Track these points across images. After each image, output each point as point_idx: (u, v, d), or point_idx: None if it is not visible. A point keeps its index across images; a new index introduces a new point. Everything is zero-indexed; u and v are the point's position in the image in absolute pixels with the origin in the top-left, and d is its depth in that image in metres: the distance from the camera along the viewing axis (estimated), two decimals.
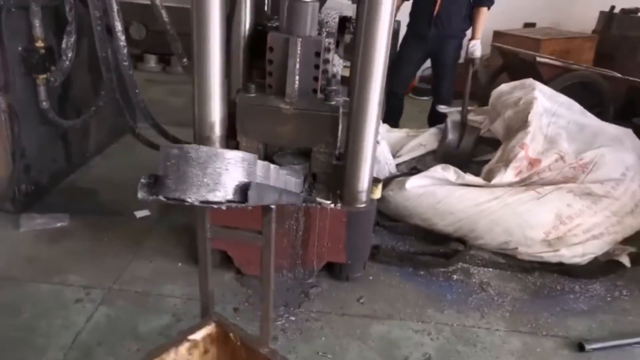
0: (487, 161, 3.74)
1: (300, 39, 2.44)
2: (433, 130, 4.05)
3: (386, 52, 2.24)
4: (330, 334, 2.39)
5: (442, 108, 4.22)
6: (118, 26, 2.72)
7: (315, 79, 2.56)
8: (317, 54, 2.50)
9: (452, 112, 4.24)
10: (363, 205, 2.56)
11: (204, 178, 1.14)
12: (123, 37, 2.77)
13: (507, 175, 3.09)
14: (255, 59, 3.05)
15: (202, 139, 2.44)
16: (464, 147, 3.87)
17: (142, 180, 1.18)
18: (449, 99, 4.36)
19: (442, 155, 3.87)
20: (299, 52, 2.46)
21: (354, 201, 2.55)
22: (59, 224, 3.04)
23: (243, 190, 1.20)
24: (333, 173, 2.65)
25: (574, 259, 2.95)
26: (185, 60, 3.09)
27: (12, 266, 2.67)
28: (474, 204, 2.99)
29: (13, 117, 2.90)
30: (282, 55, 2.50)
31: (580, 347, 2.39)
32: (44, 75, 3.03)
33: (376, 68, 2.27)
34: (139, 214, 3.25)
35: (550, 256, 2.96)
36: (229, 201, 1.19)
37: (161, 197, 1.17)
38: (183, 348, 1.25)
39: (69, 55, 3.11)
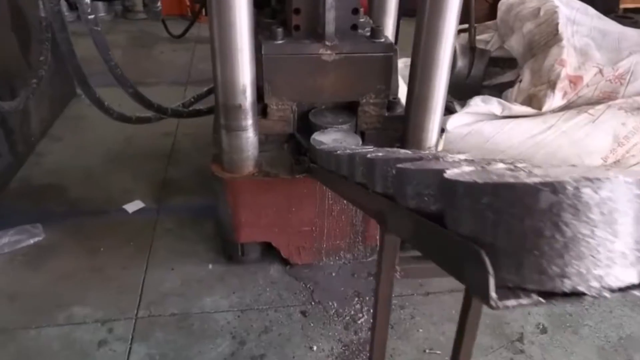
0: (500, 85, 3.39)
1: None
2: None
3: None
4: (425, 322, 2.00)
5: None
6: None
7: (355, 11, 2.02)
8: None
9: None
10: None
11: (614, 243, 0.53)
12: None
13: (556, 99, 2.73)
14: None
15: (232, 108, 1.86)
16: (475, 73, 3.45)
17: (490, 274, 0.53)
18: None
19: (452, 86, 3.44)
20: None
21: None
22: (32, 240, 2.35)
23: None
24: (384, 128, 2.17)
25: None
26: (159, 5, 2.38)
27: None
28: (527, 136, 2.62)
29: None
30: None
31: None
32: None
33: None
34: (130, 207, 2.61)
35: None
36: None
37: (535, 296, 0.55)
38: None
39: None
